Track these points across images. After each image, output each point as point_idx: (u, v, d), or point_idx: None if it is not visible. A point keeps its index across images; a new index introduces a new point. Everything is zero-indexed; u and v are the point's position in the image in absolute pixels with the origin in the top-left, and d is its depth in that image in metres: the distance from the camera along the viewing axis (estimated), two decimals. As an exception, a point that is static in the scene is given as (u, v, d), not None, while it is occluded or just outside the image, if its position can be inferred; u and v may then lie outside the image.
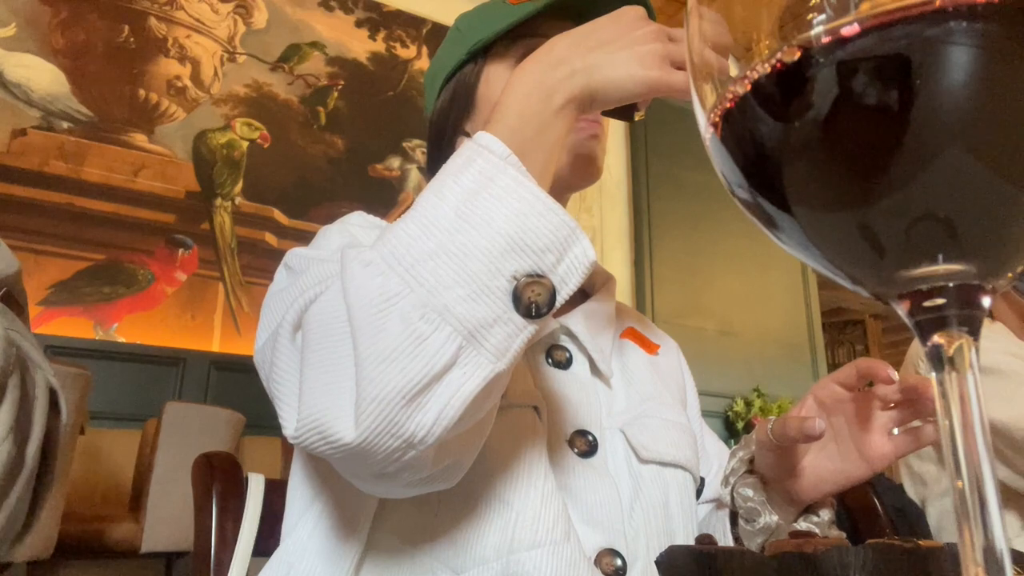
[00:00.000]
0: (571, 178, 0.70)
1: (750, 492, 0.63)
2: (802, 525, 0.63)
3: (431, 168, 0.79)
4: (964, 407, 0.19)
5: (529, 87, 0.50)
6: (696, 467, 0.71)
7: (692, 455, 0.70)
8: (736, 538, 0.65)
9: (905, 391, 0.57)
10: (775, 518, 0.62)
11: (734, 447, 0.68)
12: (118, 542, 2.22)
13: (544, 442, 0.58)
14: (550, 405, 0.63)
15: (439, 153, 0.76)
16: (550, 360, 0.66)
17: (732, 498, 0.64)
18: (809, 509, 0.65)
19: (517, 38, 0.70)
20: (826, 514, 0.64)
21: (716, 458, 0.81)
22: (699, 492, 0.73)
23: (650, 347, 0.77)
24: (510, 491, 0.54)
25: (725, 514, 0.66)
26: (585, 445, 0.62)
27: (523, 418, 0.58)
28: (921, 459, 1.22)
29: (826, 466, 0.62)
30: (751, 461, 0.65)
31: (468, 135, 0.73)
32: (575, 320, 0.68)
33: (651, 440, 0.65)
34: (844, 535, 0.63)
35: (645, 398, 0.69)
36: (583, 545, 0.56)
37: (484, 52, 0.71)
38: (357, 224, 0.66)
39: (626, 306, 0.81)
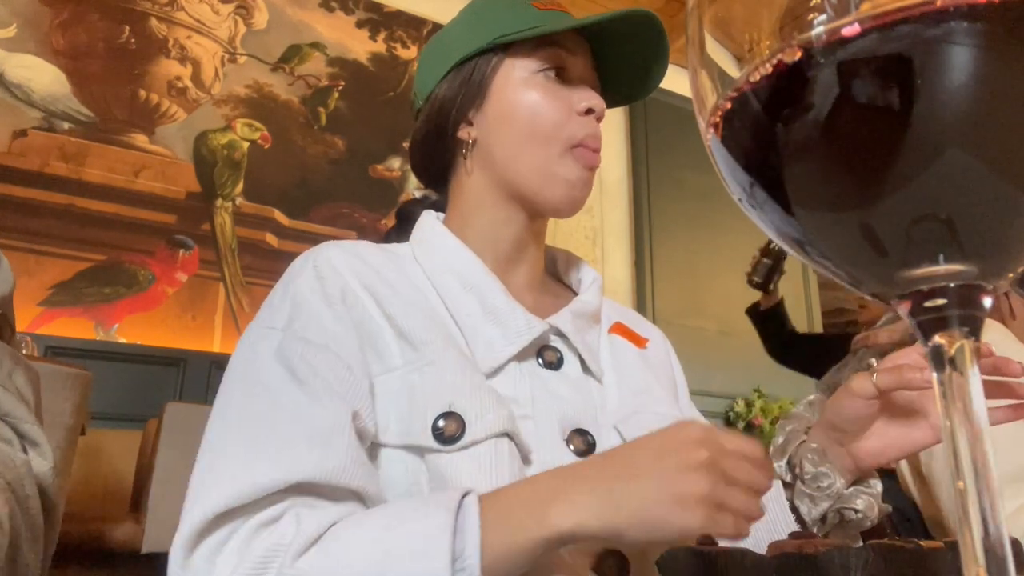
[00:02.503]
0: (558, 209, 0.70)
1: (816, 458, 0.65)
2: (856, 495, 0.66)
3: (420, 148, 0.76)
4: (965, 407, 0.19)
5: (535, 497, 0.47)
6: None
7: None
8: (794, 508, 0.66)
9: (986, 367, 0.58)
10: (842, 481, 0.65)
11: (780, 421, 0.71)
12: (119, 543, 2.22)
13: (519, 463, 0.57)
14: (545, 406, 0.62)
15: (437, 135, 0.74)
16: (541, 361, 0.66)
17: (792, 466, 0.67)
18: (858, 481, 0.67)
19: (542, 44, 0.70)
20: (877, 485, 0.67)
21: None
22: None
23: (639, 341, 0.77)
24: None
25: (777, 484, 0.68)
26: (583, 444, 0.62)
27: (494, 450, 0.56)
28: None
29: (895, 431, 0.65)
30: (805, 432, 0.67)
31: (471, 124, 0.73)
32: (563, 320, 0.68)
33: None
34: (890, 508, 0.66)
35: (637, 392, 0.70)
36: (584, 547, 0.55)
37: (505, 46, 0.71)
38: (310, 289, 0.61)
39: (612, 301, 0.81)
